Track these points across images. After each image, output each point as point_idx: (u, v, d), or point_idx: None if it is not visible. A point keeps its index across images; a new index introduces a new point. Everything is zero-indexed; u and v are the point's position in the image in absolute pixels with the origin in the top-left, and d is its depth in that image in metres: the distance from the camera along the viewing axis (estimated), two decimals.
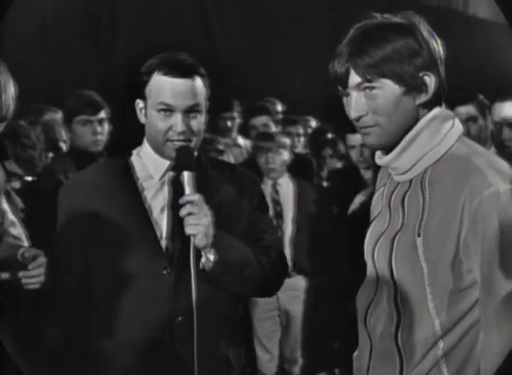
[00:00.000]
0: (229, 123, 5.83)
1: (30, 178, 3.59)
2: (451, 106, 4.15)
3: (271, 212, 4.31)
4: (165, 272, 2.30)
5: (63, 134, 4.30)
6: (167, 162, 2.35)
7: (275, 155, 4.75)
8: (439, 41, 1.95)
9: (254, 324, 4.76)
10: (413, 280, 1.90)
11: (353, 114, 1.92)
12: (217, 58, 6.95)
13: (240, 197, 2.39)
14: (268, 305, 4.73)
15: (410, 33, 1.90)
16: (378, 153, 2.02)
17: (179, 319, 2.28)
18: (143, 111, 2.34)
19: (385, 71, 1.86)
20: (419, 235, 1.88)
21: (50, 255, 2.39)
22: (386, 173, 2.08)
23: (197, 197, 2.19)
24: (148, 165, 2.38)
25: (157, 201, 2.35)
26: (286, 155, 4.79)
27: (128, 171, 2.38)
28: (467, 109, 4.12)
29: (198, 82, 2.31)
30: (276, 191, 4.77)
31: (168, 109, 2.28)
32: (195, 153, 2.35)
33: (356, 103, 1.91)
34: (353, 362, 2.14)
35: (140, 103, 2.35)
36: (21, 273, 2.25)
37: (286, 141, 4.86)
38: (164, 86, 2.27)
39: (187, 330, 2.23)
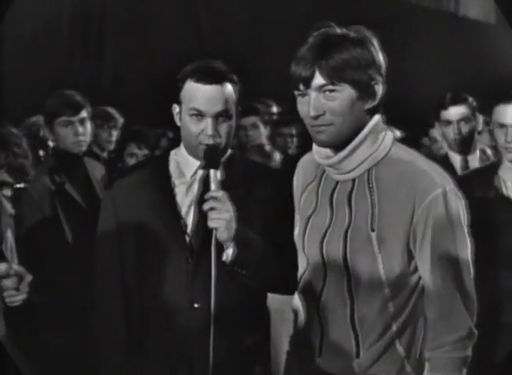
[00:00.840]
0: None
1: (21, 185, 3.59)
2: (443, 107, 4.19)
3: None
4: (187, 262, 2.45)
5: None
6: (198, 162, 2.49)
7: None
8: (383, 54, 2.15)
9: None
10: (369, 270, 2.14)
11: (312, 112, 2.09)
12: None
13: (267, 195, 2.51)
14: None
15: (365, 46, 2.10)
16: (321, 154, 2.22)
17: (196, 306, 2.42)
18: (178, 115, 2.49)
19: (346, 76, 2.06)
20: (373, 230, 2.13)
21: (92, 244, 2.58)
22: (311, 170, 2.32)
23: (220, 193, 2.30)
24: (182, 164, 2.54)
25: (186, 198, 2.50)
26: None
27: (164, 168, 2.55)
28: (461, 110, 4.13)
29: (228, 88, 2.43)
30: None
31: (200, 114, 2.41)
32: (228, 152, 2.52)
33: (315, 103, 2.09)
34: (291, 348, 2.41)
35: (176, 108, 2.49)
36: (6, 293, 2.30)
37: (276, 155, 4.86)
38: (195, 92, 2.41)
39: (203, 317, 2.38)
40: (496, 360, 3.17)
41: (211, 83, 2.40)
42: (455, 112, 4.11)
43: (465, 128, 4.11)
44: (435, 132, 4.78)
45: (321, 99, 2.09)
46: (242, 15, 7.55)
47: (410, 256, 2.15)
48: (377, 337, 2.17)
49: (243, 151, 4.93)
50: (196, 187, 2.49)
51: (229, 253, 2.33)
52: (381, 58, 2.13)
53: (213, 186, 2.33)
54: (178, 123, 2.50)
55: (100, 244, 2.57)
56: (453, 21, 9.36)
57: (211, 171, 2.35)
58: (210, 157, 2.40)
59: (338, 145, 2.14)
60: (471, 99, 4.15)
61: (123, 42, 6.74)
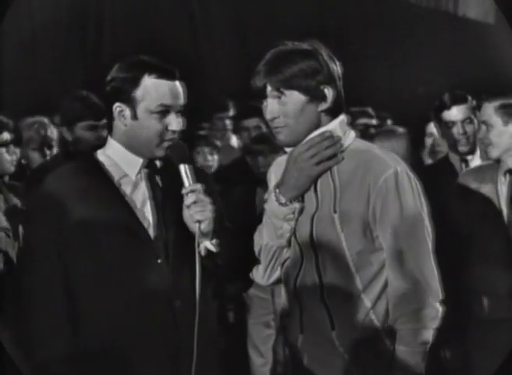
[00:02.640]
0: (227, 122, 5.82)
1: None
2: (445, 107, 4.16)
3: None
4: (159, 260, 2.41)
5: (55, 133, 4.27)
6: (140, 160, 2.46)
7: (268, 159, 4.68)
8: (337, 62, 2.44)
9: (248, 329, 4.71)
10: (333, 248, 2.38)
11: (268, 116, 2.43)
12: (206, 59, 6.93)
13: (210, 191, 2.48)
14: (264, 309, 4.68)
15: (313, 57, 2.40)
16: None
17: (178, 303, 2.41)
18: (125, 113, 2.42)
19: (292, 84, 2.38)
20: (335, 212, 2.37)
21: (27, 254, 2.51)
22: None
23: (199, 186, 2.36)
24: (121, 164, 2.47)
25: (137, 196, 2.46)
26: None
27: (100, 171, 2.46)
28: (463, 109, 4.13)
29: (182, 84, 2.47)
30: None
31: (166, 110, 2.41)
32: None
33: (270, 107, 2.41)
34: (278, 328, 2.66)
35: (120, 106, 2.42)
36: None
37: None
38: (160, 88, 2.41)
39: (186, 314, 2.38)
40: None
41: (172, 79, 2.43)
42: (458, 111, 4.11)
43: (469, 128, 4.10)
44: (433, 128, 4.76)
45: (276, 104, 2.40)
46: (240, 15, 7.53)
47: (375, 235, 2.38)
48: (349, 310, 2.38)
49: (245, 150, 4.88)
50: (143, 185, 2.47)
51: (209, 245, 2.37)
52: (332, 65, 2.42)
53: (186, 181, 2.36)
54: (123, 122, 2.43)
55: (36, 256, 2.44)
56: (452, 21, 9.33)
57: (182, 166, 2.37)
58: (178, 153, 2.41)
59: (296, 144, 2.42)
60: (470, 98, 4.15)
61: (121, 41, 6.73)
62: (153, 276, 2.40)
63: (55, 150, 4.32)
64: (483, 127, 3.37)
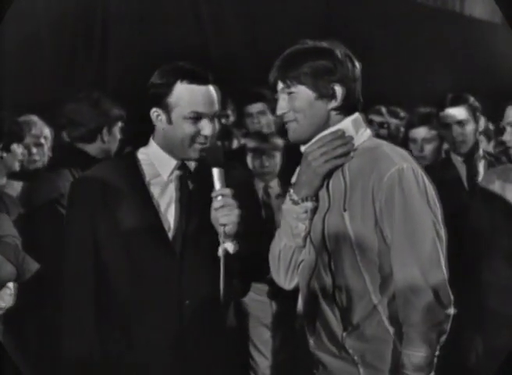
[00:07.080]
0: (223, 121, 5.78)
1: None
2: (441, 107, 4.16)
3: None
4: (173, 260, 2.50)
5: (44, 131, 4.26)
6: (174, 162, 2.56)
7: (270, 157, 4.65)
8: (356, 63, 2.44)
9: (249, 332, 4.71)
10: (343, 246, 2.35)
11: (278, 111, 2.45)
12: (211, 59, 6.94)
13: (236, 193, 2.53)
14: (262, 312, 4.69)
15: (327, 56, 2.40)
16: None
17: (187, 302, 2.48)
18: (161, 118, 2.52)
19: (302, 80, 2.39)
20: (345, 210, 2.35)
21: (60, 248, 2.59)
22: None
23: (228, 190, 2.43)
24: (156, 164, 2.58)
25: (164, 197, 2.55)
26: (278, 157, 4.70)
27: (136, 170, 2.58)
28: (458, 111, 4.12)
29: (215, 88, 2.53)
30: (268, 195, 4.69)
31: (199, 117, 2.49)
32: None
33: (280, 103, 2.44)
34: (297, 323, 2.57)
35: (157, 111, 2.53)
36: None
37: (280, 142, 4.75)
38: (192, 94, 2.49)
39: (194, 313, 2.48)
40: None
41: (204, 83, 2.50)
42: (451, 114, 4.10)
43: (464, 130, 4.09)
44: (415, 133, 4.66)
45: (285, 100, 2.42)
46: (245, 14, 7.53)
47: (385, 234, 2.32)
48: (359, 311, 2.35)
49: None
50: (173, 186, 2.56)
51: (229, 247, 2.43)
52: (348, 65, 2.41)
53: (217, 184, 2.43)
54: (161, 126, 2.53)
55: (74, 247, 2.57)
56: (459, 20, 9.32)
57: (215, 169, 2.43)
58: (212, 156, 2.47)
59: (305, 141, 2.44)
60: (471, 100, 4.14)
61: (128, 40, 6.73)
62: (167, 276, 2.49)
63: (46, 148, 4.31)
64: (508, 129, 3.34)
